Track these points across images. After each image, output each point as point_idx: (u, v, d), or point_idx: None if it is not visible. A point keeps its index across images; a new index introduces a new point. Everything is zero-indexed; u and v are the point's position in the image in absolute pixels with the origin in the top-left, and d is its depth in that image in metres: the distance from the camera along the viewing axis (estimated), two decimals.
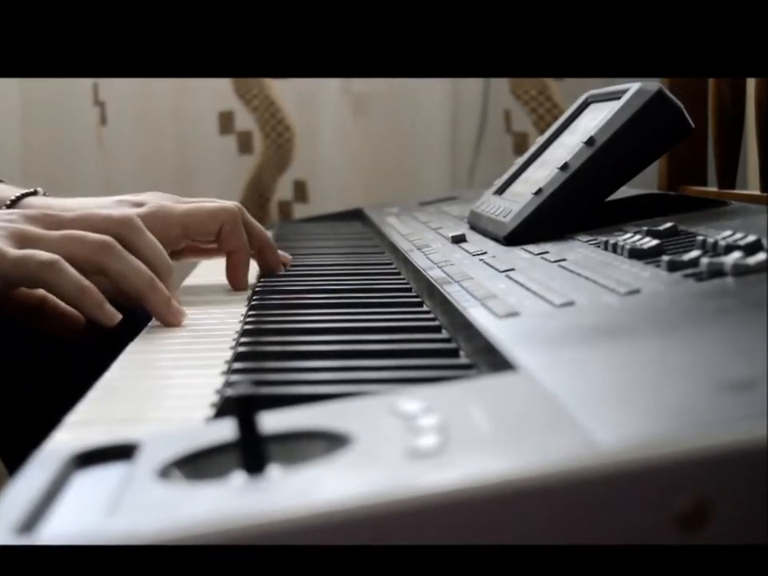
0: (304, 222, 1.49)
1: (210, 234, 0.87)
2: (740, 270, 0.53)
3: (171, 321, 0.72)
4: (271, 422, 0.39)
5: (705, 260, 0.55)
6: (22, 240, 0.71)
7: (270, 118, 1.71)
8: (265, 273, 0.92)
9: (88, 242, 0.72)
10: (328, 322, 0.70)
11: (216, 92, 1.70)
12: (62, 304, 0.76)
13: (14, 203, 0.87)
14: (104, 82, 1.68)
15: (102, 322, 0.70)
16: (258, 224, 0.91)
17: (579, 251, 0.70)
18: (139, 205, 0.85)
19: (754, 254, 0.54)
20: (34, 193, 0.89)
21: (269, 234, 0.95)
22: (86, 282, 0.70)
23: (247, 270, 0.89)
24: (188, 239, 0.87)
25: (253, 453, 0.36)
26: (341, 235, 1.25)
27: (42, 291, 0.76)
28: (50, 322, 0.77)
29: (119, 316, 0.70)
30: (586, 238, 0.74)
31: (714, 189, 1.02)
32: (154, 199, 0.87)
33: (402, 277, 0.88)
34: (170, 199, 0.88)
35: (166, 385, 0.57)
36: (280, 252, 0.94)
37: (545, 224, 0.80)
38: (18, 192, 0.89)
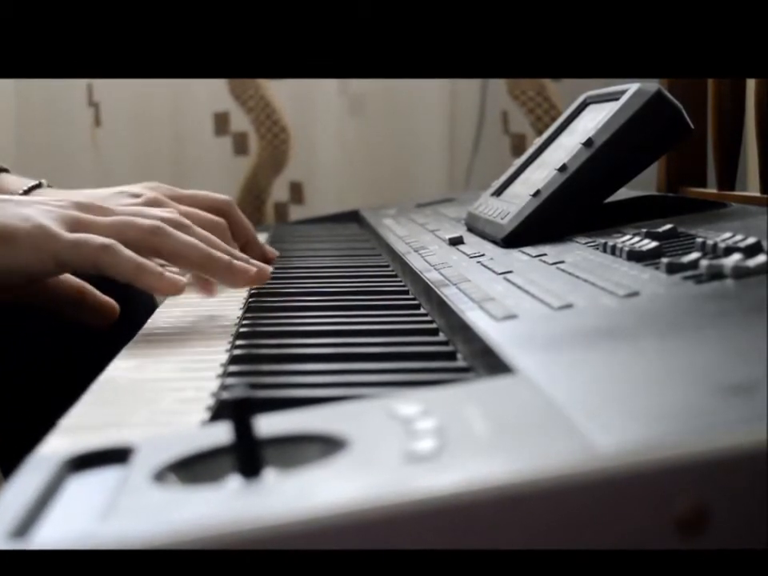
0: (300, 223, 1.49)
1: None
2: (740, 272, 0.52)
3: (243, 280, 0.75)
4: (267, 425, 0.39)
5: (704, 262, 0.54)
6: (74, 225, 0.73)
7: (266, 118, 1.71)
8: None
9: (139, 225, 0.74)
10: (324, 325, 0.69)
11: (211, 93, 1.70)
12: (100, 294, 0.78)
13: (25, 194, 0.91)
14: (99, 83, 1.67)
15: (167, 292, 0.71)
16: (245, 221, 0.97)
17: (578, 253, 0.70)
18: (137, 196, 0.89)
19: (753, 256, 0.54)
20: (39, 185, 0.94)
21: (263, 236, 0.98)
22: (142, 259, 0.71)
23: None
24: None
25: (249, 456, 0.36)
26: (337, 237, 1.25)
27: (80, 282, 0.78)
28: (88, 312, 0.78)
29: (183, 281, 0.72)
30: (584, 240, 0.74)
31: (714, 190, 1.02)
32: (151, 193, 0.90)
33: (398, 279, 0.87)
34: (166, 191, 0.93)
35: (162, 388, 0.57)
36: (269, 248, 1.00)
37: (543, 226, 0.79)
38: (26, 185, 0.93)
